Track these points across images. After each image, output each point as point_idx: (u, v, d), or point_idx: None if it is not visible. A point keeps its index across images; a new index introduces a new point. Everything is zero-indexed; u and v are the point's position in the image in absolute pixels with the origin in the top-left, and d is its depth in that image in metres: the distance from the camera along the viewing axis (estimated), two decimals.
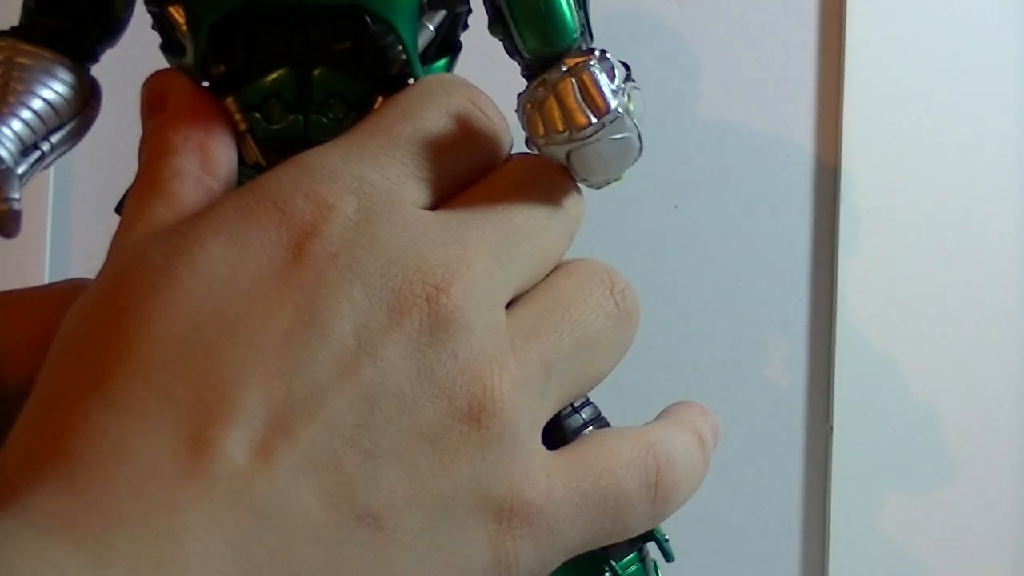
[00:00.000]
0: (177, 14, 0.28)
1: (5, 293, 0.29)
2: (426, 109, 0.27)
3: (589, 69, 0.27)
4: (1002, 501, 0.67)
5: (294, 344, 0.24)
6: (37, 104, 0.27)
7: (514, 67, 0.29)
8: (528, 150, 0.29)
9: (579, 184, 0.29)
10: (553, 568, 0.26)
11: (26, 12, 0.28)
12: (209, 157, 0.27)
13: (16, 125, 0.27)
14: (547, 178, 0.28)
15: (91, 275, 0.27)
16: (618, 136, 0.27)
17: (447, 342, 0.24)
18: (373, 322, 0.24)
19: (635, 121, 0.27)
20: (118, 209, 0.28)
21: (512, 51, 0.29)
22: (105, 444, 0.22)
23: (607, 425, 0.29)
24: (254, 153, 0.28)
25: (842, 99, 0.66)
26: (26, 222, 0.27)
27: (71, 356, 0.24)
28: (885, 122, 0.66)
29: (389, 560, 0.23)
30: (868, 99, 0.66)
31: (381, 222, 0.25)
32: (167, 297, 0.24)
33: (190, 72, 0.28)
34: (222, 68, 0.28)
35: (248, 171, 0.28)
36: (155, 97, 0.28)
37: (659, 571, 0.31)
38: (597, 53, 0.27)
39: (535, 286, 0.28)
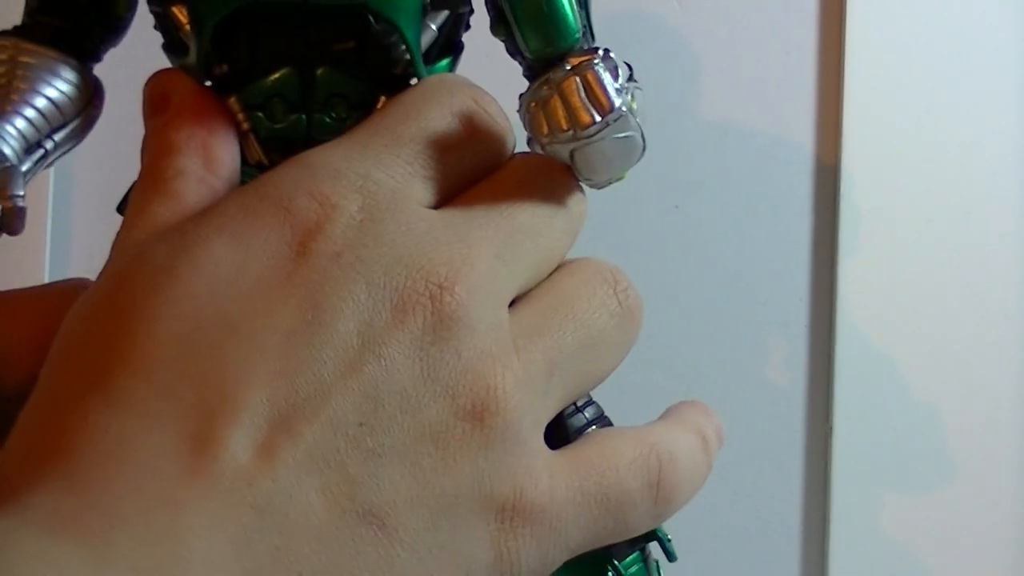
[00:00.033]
0: (180, 14, 0.28)
1: (4, 293, 0.29)
2: (430, 108, 0.27)
3: (593, 68, 0.27)
4: (1002, 501, 0.67)
5: (297, 343, 0.24)
6: (40, 102, 0.27)
7: (516, 68, 0.29)
8: (530, 150, 0.29)
9: (582, 184, 0.29)
10: (555, 567, 0.26)
11: (29, 11, 0.28)
12: (212, 156, 0.27)
13: (20, 123, 0.27)
14: (550, 177, 0.28)
15: (91, 275, 0.27)
16: (622, 135, 0.27)
17: (450, 341, 0.24)
18: (377, 321, 0.24)
19: (639, 120, 0.27)
20: (120, 209, 0.28)
21: (514, 51, 0.29)
22: (106, 443, 0.22)
23: (610, 424, 0.29)
24: (257, 152, 0.28)
25: (842, 99, 0.66)
26: (26, 221, 0.27)
27: (72, 355, 0.24)
28: (885, 122, 0.66)
29: (392, 559, 0.23)
30: (868, 99, 0.66)
31: (385, 221, 0.25)
32: (170, 296, 0.24)
33: (193, 72, 0.28)
34: (225, 68, 0.28)
35: (251, 170, 0.28)
36: (157, 97, 0.28)
37: (661, 571, 0.31)
38: (601, 52, 0.27)
39: (538, 285, 0.28)
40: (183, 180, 0.27)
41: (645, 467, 0.27)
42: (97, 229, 0.61)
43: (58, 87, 0.28)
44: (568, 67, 0.27)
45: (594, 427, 0.29)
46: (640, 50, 0.66)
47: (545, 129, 0.27)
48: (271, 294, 0.24)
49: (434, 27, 0.29)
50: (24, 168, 0.27)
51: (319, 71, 0.28)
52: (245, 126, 0.28)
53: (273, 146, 0.28)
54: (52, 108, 0.27)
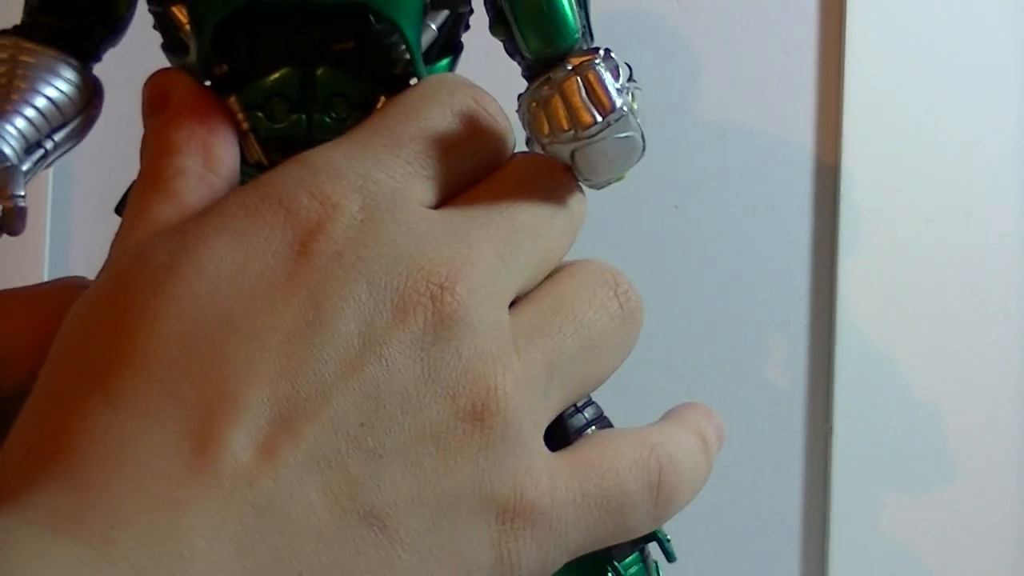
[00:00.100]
0: (180, 14, 0.28)
1: (3, 292, 0.29)
2: (430, 108, 0.27)
3: (595, 68, 0.27)
4: (1002, 501, 0.67)
5: (299, 343, 0.24)
6: (41, 102, 0.27)
7: (515, 68, 0.29)
8: (529, 150, 0.29)
9: (582, 184, 0.29)
10: (555, 568, 0.26)
11: (29, 11, 0.28)
12: (212, 156, 0.27)
13: (20, 123, 0.27)
14: (550, 177, 0.28)
15: (91, 275, 0.27)
16: (623, 135, 0.27)
17: (451, 341, 0.24)
18: (378, 321, 0.24)
19: (639, 120, 0.27)
20: (118, 210, 0.28)
21: (513, 52, 0.29)
22: (107, 442, 0.22)
23: (610, 425, 0.29)
24: (257, 152, 0.28)
25: (842, 99, 0.66)
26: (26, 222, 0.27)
27: (73, 354, 0.24)
28: (885, 122, 0.66)
29: (392, 559, 0.23)
30: (868, 99, 0.66)
31: (385, 221, 0.25)
32: (171, 295, 0.24)
33: (193, 71, 0.28)
34: (225, 67, 0.28)
35: (250, 170, 0.28)
36: (157, 96, 0.28)
37: (660, 571, 0.31)
38: (602, 52, 0.27)
39: (539, 286, 0.28)
40: (183, 179, 0.26)
41: (645, 469, 0.27)
42: (97, 229, 0.61)
43: (58, 87, 0.28)
44: (569, 67, 0.27)
45: (594, 427, 0.29)
46: (640, 50, 0.66)
47: (546, 129, 0.27)
48: (272, 293, 0.24)
49: (434, 27, 0.29)
50: (24, 168, 0.27)
51: (319, 71, 0.28)
52: (245, 126, 0.28)
53: (273, 146, 0.28)
54: (52, 108, 0.27)
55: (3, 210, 0.26)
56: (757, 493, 0.67)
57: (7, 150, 0.26)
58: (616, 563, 0.29)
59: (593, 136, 0.26)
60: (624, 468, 0.27)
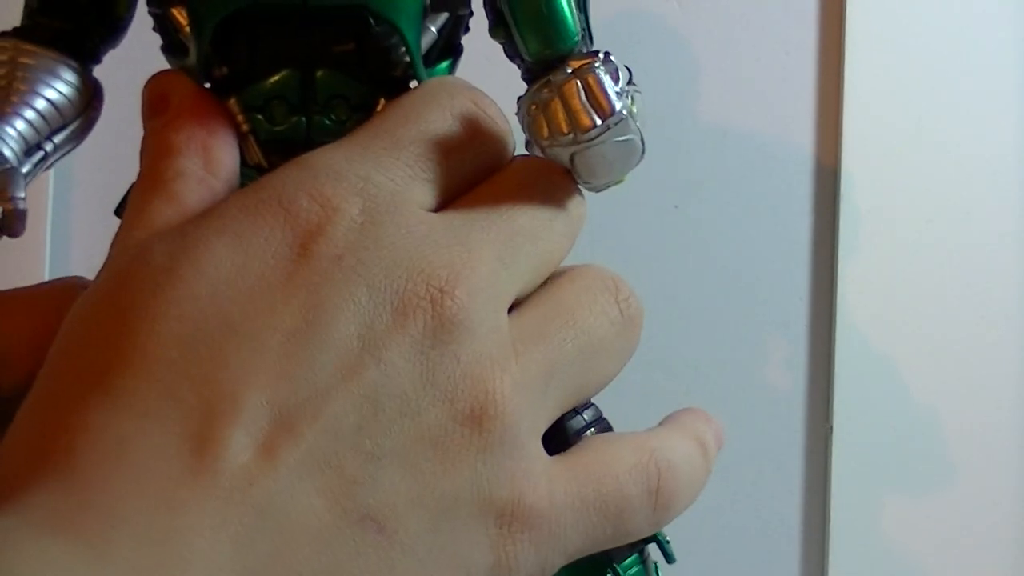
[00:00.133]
0: (180, 15, 0.28)
1: (2, 292, 0.29)
2: (430, 111, 0.27)
3: (594, 71, 0.27)
4: (1002, 501, 0.67)
5: (298, 345, 0.24)
6: (40, 104, 0.27)
7: (515, 71, 0.29)
8: (528, 152, 0.29)
9: (581, 187, 0.29)
10: (554, 572, 0.26)
11: (28, 13, 0.28)
12: (212, 158, 0.27)
13: (20, 125, 0.27)
14: (549, 180, 0.28)
15: (91, 276, 0.27)
16: (622, 138, 0.27)
17: (450, 344, 0.24)
18: (377, 324, 0.24)
19: (638, 123, 0.27)
20: (118, 211, 0.28)
21: (513, 54, 0.29)
22: (106, 443, 0.22)
23: (609, 426, 0.29)
24: (256, 154, 0.28)
25: (842, 99, 0.66)
26: (26, 223, 0.27)
27: (72, 355, 0.24)
28: (885, 122, 0.66)
29: (391, 562, 0.23)
30: (868, 99, 0.66)
31: (385, 224, 0.25)
32: (171, 297, 0.24)
33: (192, 73, 0.28)
34: (224, 69, 0.28)
35: (250, 172, 0.28)
36: (157, 98, 0.28)
37: (660, 572, 0.31)
38: (601, 55, 0.27)
39: (539, 290, 0.28)
40: (183, 181, 0.26)
41: (644, 474, 0.27)
42: (97, 230, 0.61)
43: (58, 88, 0.28)
44: (569, 70, 0.27)
45: (592, 429, 0.29)
46: (640, 50, 0.66)
47: (545, 132, 0.27)
48: (272, 295, 0.24)
49: (434, 29, 0.29)
50: (24, 170, 0.27)
51: (319, 73, 0.28)
52: (245, 128, 0.28)
53: (273, 148, 0.28)
54: (52, 110, 0.27)
55: (3, 212, 0.26)
56: (757, 493, 0.67)
57: (7, 152, 0.26)
58: (615, 565, 0.29)
59: (592, 139, 0.26)
60: (623, 473, 0.27)
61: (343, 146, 0.27)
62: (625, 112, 0.26)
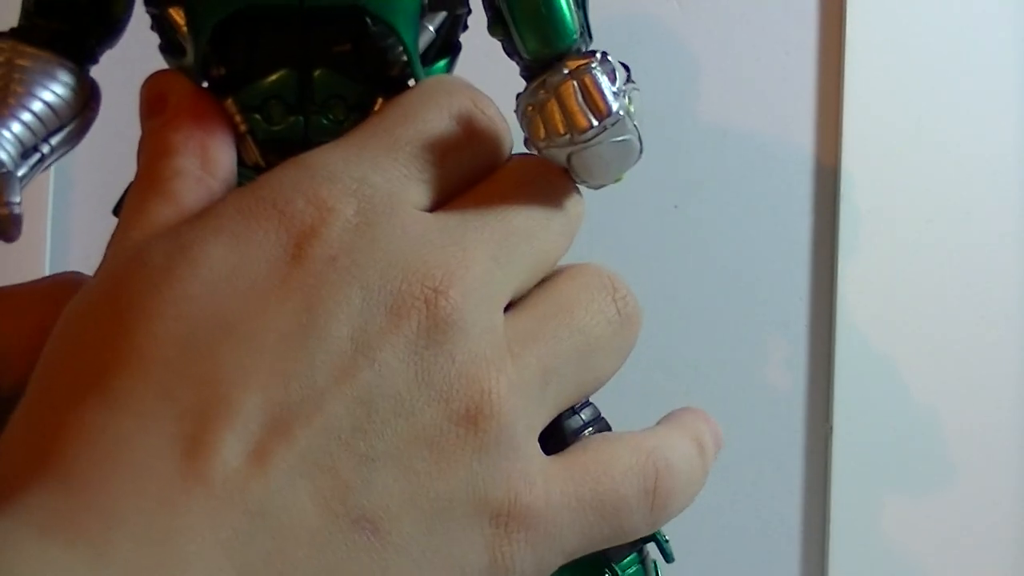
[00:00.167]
0: (177, 16, 0.28)
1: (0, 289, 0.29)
2: (428, 111, 0.27)
3: (591, 71, 0.27)
4: (1002, 501, 0.67)
5: (292, 346, 0.24)
6: (37, 106, 0.27)
7: (514, 68, 0.29)
8: (527, 151, 0.29)
9: (578, 185, 0.29)
10: (551, 572, 0.26)
11: (25, 14, 0.28)
12: (210, 157, 0.27)
13: (16, 127, 0.27)
14: (546, 179, 0.28)
15: (90, 273, 0.27)
16: (619, 138, 0.27)
17: (444, 345, 0.24)
18: (371, 325, 0.24)
19: (635, 123, 0.27)
20: (116, 211, 0.28)
21: (511, 52, 0.29)
22: (104, 443, 0.22)
23: (607, 426, 0.29)
24: (254, 154, 0.28)
25: (842, 99, 0.66)
26: (26, 223, 0.27)
27: (68, 354, 0.24)
28: (885, 122, 0.66)
29: (386, 563, 0.23)
30: (868, 99, 0.66)
31: (380, 225, 0.25)
32: (168, 297, 0.24)
33: (190, 73, 0.28)
34: (222, 70, 0.28)
35: (248, 172, 0.28)
36: (155, 98, 0.28)
37: (659, 572, 0.31)
38: (598, 55, 0.27)
39: (535, 290, 0.28)
40: (181, 180, 0.26)
41: (641, 474, 0.27)
42: (97, 230, 0.61)
43: (55, 90, 0.28)
44: (565, 71, 0.27)
45: (591, 429, 0.29)
46: (640, 50, 0.66)
47: (542, 133, 0.27)
48: (267, 296, 0.24)
49: (432, 28, 0.29)
50: (20, 173, 0.27)
51: (317, 73, 0.28)
52: (243, 128, 0.28)
53: (271, 148, 0.28)
54: (49, 112, 0.27)
55: None
56: (757, 493, 0.67)
57: (3, 156, 0.26)
58: (614, 564, 0.29)
59: (589, 140, 0.26)
60: (620, 473, 0.27)
61: (339, 146, 0.27)
62: (622, 112, 0.26)
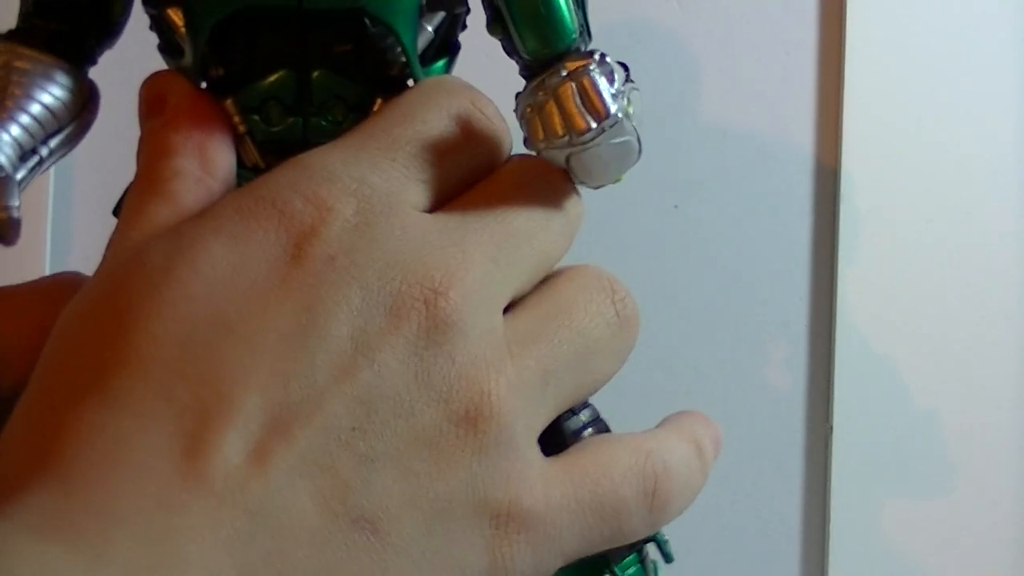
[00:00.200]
0: (176, 16, 0.28)
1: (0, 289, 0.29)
2: (427, 111, 0.27)
3: (589, 73, 0.27)
4: (1002, 501, 0.67)
5: (292, 346, 0.24)
6: (35, 109, 0.27)
7: (514, 67, 0.29)
8: (527, 150, 0.29)
9: (578, 186, 0.29)
10: (550, 573, 0.26)
11: (23, 15, 0.28)
12: (209, 158, 0.27)
13: (15, 130, 0.27)
14: (546, 180, 0.28)
15: (90, 274, 0.27)
16: (618, 140, 0.27)
17: (444, 346, 0.24)
18: (371, 325, 0.24)
19: (634, 124, 0.27)
20: (116, 211, 0.28)
21: (511, 51, 0.29)
22: (102, 443, 0.22)
23: (606, 427, 0.29)
24: (253, 155, 0.28)
25: (842, 99, 0.66)
26: (26, 224, 0.27)
27: (68, 354, 0.24)
28: (885, 122, 0.66)
29: (385, 564, 0.23)
30: (868, 99, 0.66)
31: (380, 225, 0.25)
32: (167, 297, 0.24)
33: (189, 74, 0.28)
34: (221, 71, 0.28)
35: (247, 173, 0.28)
36: (154, 98, 0.28)
37: (659, 572, 0.31)
38: (597, 57, 0.27)
39: (535, 291, 0.28)
40: (180, 181, 0.26)
41: (640, 476, 0.27)
42: (97, 231, 0.61)
43: (53, 93, 0.28)
44: (564, 72, 0.27)
45: (590, 430, 0.29)
46: (640, 50, 0.66)
47: (541, 135, 0.27)
48: (266, 297, 0.24)
49: (430, 28, 0.29)
50: (19, 176, 0.27)
51: (315, 73, 0.28)
52: (241, 129, 0.28)
53: (269, 149, 0.28)
54: (47, 114, 0.27)
55: None
56: (757, 493, 0.67)
57: (2, 159, 0.26)
58: (613, 566, 0.29)
59: (588, 142, 0.26)
60: (619, 474, 0.27)
61: (339, 147, 0.27)
62: (620, 114, 0.26)
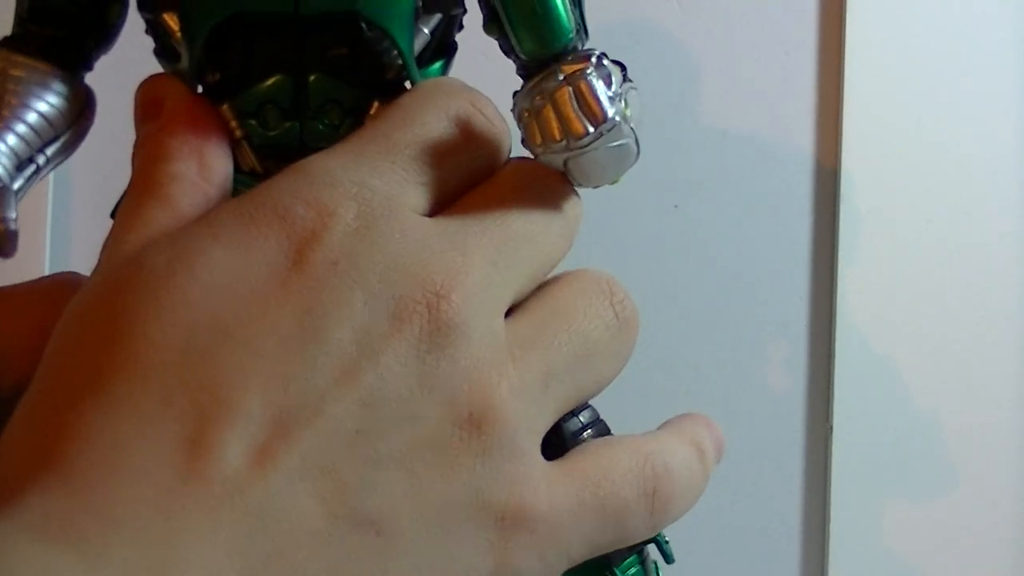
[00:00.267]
0: (172, 21, 0.28)
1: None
2: (426, 114, 0.27)
3: (586, 77, 0.27)
4: (1002, 502, 0.67)
5: (293, 350, 0.24)
6: (32, 118, 0.27)
7: (512, 66, 0.29)
8: (526, 149, 0.29)
9: (575, 187, 0.29)
10: None
11: (19, 20, 0.28)
12: (206, 162, 0.27)
13: (11, 140, 0.27)
14: (544, 183, 0.28)
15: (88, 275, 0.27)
16: (615, 143, 0.27)
17: (447, 348, 0.24)
18: (373, 329, 0.24)
19: (632, 126, 0.27)
20: (114, 214, 0.28)
21: (508, 50, 0.29)
22: (102, 446, 0.22)
23: (606, 428, 0.29)
24: (250, 160, 0.28)
25: (842, 99, 0.66)
26: (25, 227, 0.27)
27: (69, 357, 0.24)
28: (885, 122, 0.66)
29: (388, 566, 0.23)
30: (868, 99, 0.66)
31: (381, 229, 0.25)
32: (166, 302, 0.24)
33: (185, 78, 0.28)
34: (217, 75, 0.28)
35: (244, 177, 0.28)
36: (150, 102, 0.28)
37: (660, 573, 0.31)
38: (593, 59, 0.27)
39: (534, 295, 0.28)
40: (177, 185, 0.26)
41: (640, 477, 0.27)
42: (96, 234, 0.61)
43: (49, 101, 0.28)
44: (561, 76, 0.27)
45: (589, 431, 0.29)
46: (639, 50, 0.66)
47: (539, 139, 0.27)
48: (268, 301, 0.24)
49: (427, 31, 0.29)
50: (16, 186, 0.27)
51: (312, 78, 0.28)
52: (238, 133, 0.28)
53: (267, 153, 0.28)
54: (44, 123, 0.27)
55: None
56: (757, 493, 0.67)
57: None
58: (615, 568, 0.29)
59: (586, 147, 0.26)
60: (620, 476, 0.27)
61: (338, 151, 0.27)
62: (618, 118, 0.26)
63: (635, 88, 0.28)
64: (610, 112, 0.26)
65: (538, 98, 0.27)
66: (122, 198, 0.28)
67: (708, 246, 0.66)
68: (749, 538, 0.67)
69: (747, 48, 0.67)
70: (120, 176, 0.29)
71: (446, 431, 0.24)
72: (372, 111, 0.28)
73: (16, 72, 0.27)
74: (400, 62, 0.28)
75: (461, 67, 0.31)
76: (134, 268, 0.25)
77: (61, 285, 0.28)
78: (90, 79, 0.29)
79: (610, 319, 0.28)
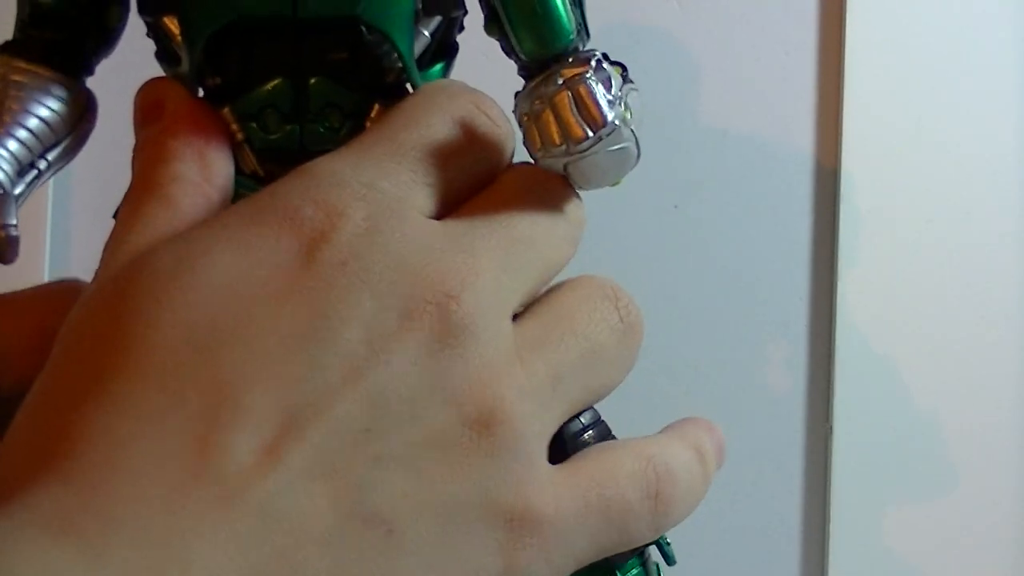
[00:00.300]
0: (172, 24, 0.28)
1: (1, 295, 0.29)
2: (431, 116, 0.27)
3: (585, 82, 0.27)
4: (1002, 502, 0.67)
5: (302, 348, 0.24)
6: (33, 123, 0.27)
7: (513, 66, 0.29)
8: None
9: (576, 189, 0.29)
10: None
11: (20, 25, 0.28)
12: (208, 164, 0.27)
13: (12, 145, 0.27)
14: (547, 186, 0.28)
15: (90, 279, 0.27)
16: (615, 147, 0.27)
17: (456, 349, 0.24)
18: (382, 328, 0.24)
19: (632, 129, 0.27)
20: (116, 215, 0.28)
21: (508, 51, 0.29)
22: (108, 445, 0.22)
23: (607, 428, 0.29)
24: (252, 162, 0.28)
25: (842, 99, 0.66)
26: (25, 229, 0.27)
27: (74, 357, 0.24)
28: (885, 122, 0.66)
29: (396, 565, 0.23)
30: (868, 99, 0.66)
31: (390, 230, 0.25)
32: (173, 302, 0.24)
33: (185, 82, 0.28)
34: (218, 79, 0.28)
35: (245, 180, 0.28)
36: (150, 105, 0.28)
37: (661, 574, 0.31)
38: (593, 62, 0.27)
39: (540, 300, 0.28)
40: (179, 186, 0.27)
41: (643, 479, 0.27)
42: (96, 238, 0.61)
43: (50, 106, 0.28)
44: (560, 80, 0.27)
45: (591, 432, 0.29)
46: (640, 50, 0.66)
47: (538, 143, 0.27)
48: (275, 301, 0.24)
49: (427, 33, 0.29)
50: (17, 192, 0.27)
51: (312, 81, 0.28)
52: (239, 136, 0.28)
53: (268, 156, 0.28)
54: (45, 128, 0.27)
55: None
56: (757, 493, 0.67)
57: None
58: (616, 570, 0.29)
59: (585, 151, 0.26)
60: (623, 478, 0.27)
61: (345, 153, 0.27)
62: (618, 122, 0.26)
63: (635, 89, 0.28)
64: (609, 116, 0.26)
65: (537, 102, 0.27)
66: (124, 200, 0.28)
67: (708, 246, 0.67)
68: (749, 538, 0.67)
69: (747, 48, 0.67)
70: (120, 180, 0.29)
71: (455, 431, 0.24)
72: (373, 114, 0.28)
73: (17, 78, 0.27)
74: (400, 65, 0.28)
75: (463, 68, 0.31)
76: (139, 269, 0.25)
77: (63, 290, 0.28)
78: (91, 82, 0.29)
79: (615, 323, 0.28)
